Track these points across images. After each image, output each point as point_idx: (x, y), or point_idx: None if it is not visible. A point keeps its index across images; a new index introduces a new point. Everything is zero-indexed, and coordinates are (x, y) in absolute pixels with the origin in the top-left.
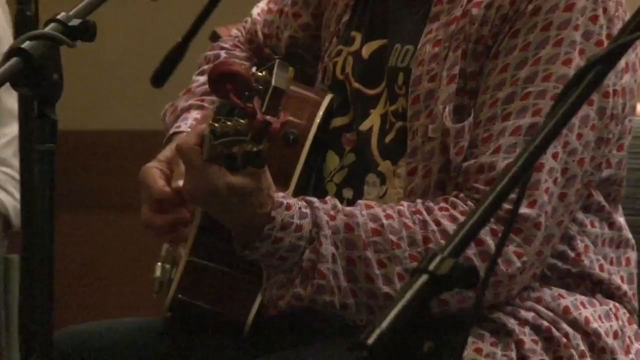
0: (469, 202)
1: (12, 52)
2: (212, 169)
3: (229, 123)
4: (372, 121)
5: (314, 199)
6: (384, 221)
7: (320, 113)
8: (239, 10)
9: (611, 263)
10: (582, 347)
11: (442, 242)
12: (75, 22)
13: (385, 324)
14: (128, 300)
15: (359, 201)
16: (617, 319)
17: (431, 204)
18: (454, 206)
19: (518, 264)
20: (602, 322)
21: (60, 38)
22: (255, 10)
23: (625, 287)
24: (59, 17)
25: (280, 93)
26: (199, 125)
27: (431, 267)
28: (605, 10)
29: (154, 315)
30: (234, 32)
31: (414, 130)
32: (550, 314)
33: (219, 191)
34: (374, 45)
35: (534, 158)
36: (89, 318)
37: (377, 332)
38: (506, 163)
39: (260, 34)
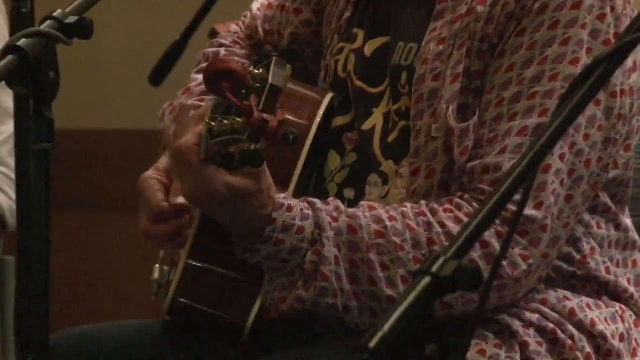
0: (474, 204)
1: (8, 50)
2: (210, 169)
3: (225, 122)
4: (375, 120)
5: (316, 200)
6: (387, 223)
7: (321, 112)
8: (238, 7)
9: (617, 265)
10: (588, 349)
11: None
12: (71, 19)
13: (387, 326)
14: (126, 303)
15: (362, 202)
16: (623, 321)
17: (435, 206)
18: (459, 208)
19: (524, 267)
20: (609, 324)
21: (56, 36)
22: (255, 5)
23: (632, 289)
24: (55, 14)
25: (278, 91)
26: (194, 122)
27: (434, 269)
28: (612, 8)
29: (152, 318)
30: (234, 28)
31: (417, 129)
32: (556, 315)
33: (218, 191)
34: (376, 42)
35: (539, 158)
36: (86, 321)
37: (379, 335)
38: (512, 164)
39: (260, 29)
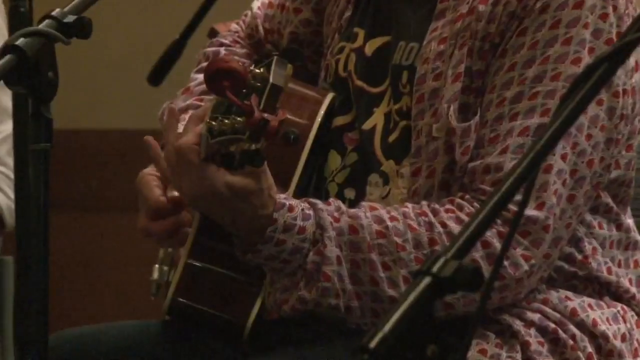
0: (476, 204)
1: (6, 49)
2: (211, 168)
3: (226, 121)
4: (376, 120)
5: (317, 201)
6: (389, 223)
7: (322, 112)
8: (237, 7)
9: (619, 265)
10: (590, 349)
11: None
12: (70, 18)
13: (387, 327)
14: (125, 303)
15: (363, 203)
16: (625, 321)
17: (437, 206)
18: (460, 208)
19: (526, 267)
20: (610, 324)
21: (55, 35)
22: (256, 4)
23: (633, 289)
24: (53, 13)
25: (278, 90)
26: (193, 121)
27: (434, 269)
28: (615, 8)
29: (152, 318)
30: (234, 27)
31: (418, 129)
32: (557, 315)
33: (218, 191)
34: (377, 42)
35: (539, 158)
36: (85, 321)
37: (379, 335)
38: (513, 164)
39: (261, 28)
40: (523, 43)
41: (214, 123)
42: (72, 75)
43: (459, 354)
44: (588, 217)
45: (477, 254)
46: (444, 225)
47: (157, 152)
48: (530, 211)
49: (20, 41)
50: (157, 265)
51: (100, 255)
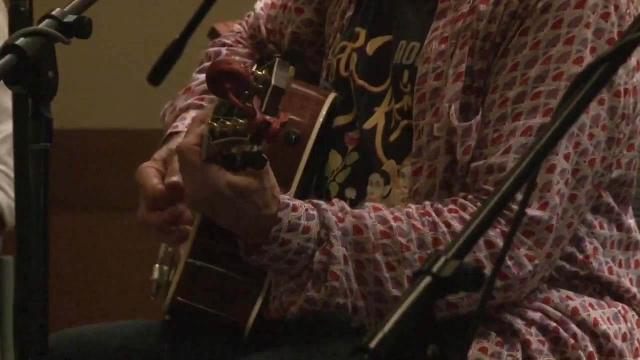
0: (479, 204)
1: (6, 49)
2: (212, 168)
3: (228, 123)
4: (377, 119)
5: (321, 201)
6: (393, 223)
7: (323, 112)
8: (237, 7)
9: (620, 265)
10: (590, 348)
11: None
12: (70, 18)
13: (387, 327)
14: (125, 303)
15: (367, 203)
16: (626, 321)
17: (440, 206)
18: (464, 208)
19: (529, 267)
20: (611, 324)
21: (55, 35)
22: (259, 5)
23: (634, 289)
24: (53, 13)
25: (280, 93)
26: (196, 123)
27: (435, 269)
28: (616, 7)
29: (152, 318)
30: (236, 27)
31: (420, 129)
32: (559, 314)
33: (220, 191)
34: (378, 41)
35: (540, 158)
36: (85, 321)
37: (380, 335)
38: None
39: (263, 29)
40: (525, 43)
41: (215, 124)
42: (72, 75)
43: (460, 353)
44: (589, 217)
45: (481, 253)
46: (447, 225)
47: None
48: (533, 211)
49: (20, 41)
50: (157, 265)
51: (100, 255)
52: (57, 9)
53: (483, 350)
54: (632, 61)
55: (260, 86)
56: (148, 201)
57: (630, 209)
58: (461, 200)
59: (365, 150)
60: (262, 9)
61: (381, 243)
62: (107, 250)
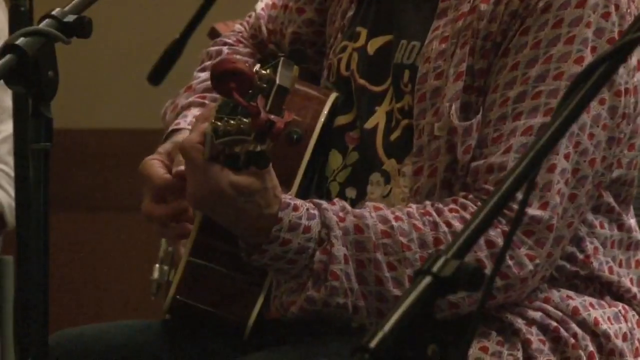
0: (479, 204)
1: (6, 48)
2: (215, 167)
3: (231, 122)
4: (378, 119)
5: (322, 201)
6: (394, 223)
7: (325, 112)
8: (237, 7)
9: (620, 265)
10: (591, 348)
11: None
12: (70, 18)
13: (387, 326)
14: (126, 302)
15: (368, 203)
16: (626, 321)
17: (440, 205)
18: (464, 208)
19: (530, 267)
20: (612, 323)
21: (55, 34)
22: (260, 5)
23: (635, 289)
24: (53, 13)
25: (285, 92)
26: (200, 122)
27: (435, 268)
28: (617, 7)
29: (152, 318)
30: (237, 27)
31: (420, 128)
32: (559, 313)
33: (222, 191)
34: (379, 41)
35: (540, 157)
36: (85, 321)
37: (380, 335)
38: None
39: (264, 29)
40: (525, 42)
41: (219, 123)
42: (72, 75)
43: (460, 352)
44: (590, 216)
45: (482, 253)
46: (448, 224)
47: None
48: (534, 211)
49: (20, 40)
50: (157, 265)
51: (100, 255)
52: (57, 9)
53: (484, 349)
54: (633, 61)
55: (265, 85)
56: (154, 192)
57: (631, 208)
58: (462, 200)
59: (365, 149)
60: (263, 9)
61: (382, 243)
62: (107, 250)
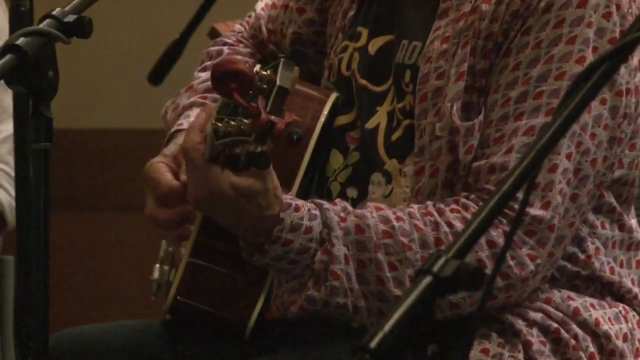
0: (481, 204)
1: (6, 48)
2: (215, 169)
3: (232, 123)
4: (379, 118)
5: (323, 201)
6: (395, 223)
7: (325, 112)
8: (237, 7)
9: (621, 265)
10: (592, 349)
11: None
12: (70, 18)
13: (388, 326)
14: (126, 303)
15: (369, 203)
16: (626, 321)
17: (442, 206)
18: (466, 208)
19: (531, 267)
20: (612, 324)
21: (55, 34)
22: (260, 5)
23: (636, 289)
24: (54, 13)
25: (285, 93)
26: (202, 122)
27: (435, 268)
28: (618, 7)
29: (152, 318)
30: (237, 27)
31: (422, 128)
32: (560, 314)
33: (223, 192)
34: (380, 41)
35: (541, 157)
36: (86, 321)
37: (380, 335)
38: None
39: (264, 29)
40: (527, 42)
41: (219, 124)
42: (72, 75)
43: (461, 353)
44: (591, 216)
45: (483, 253)
46: (449, 225)
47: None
48: (536, 211)
49: (20, 40)
50: (157, 265)
51: (100, 255)
52: (58, 9)
53: (485, 351)
54: (634, 61)
55: (265, 86)
56: (159, 197)
57: (632, 209)
58: (463, 200)
59: (366, 149)
60: (263, 9)
61: (383, 243)
62: (107, 250)
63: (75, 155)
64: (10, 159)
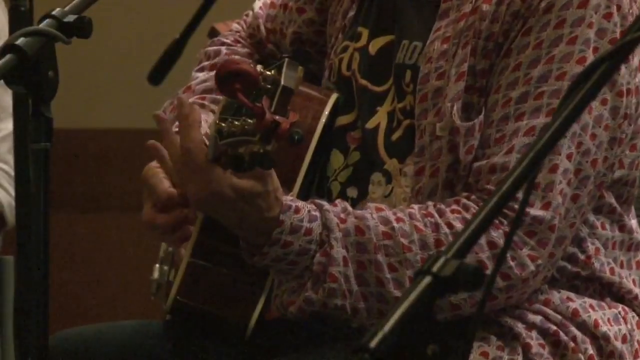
0: (481, 204)
1: (6, 48)
2: (217, 170)
3: (236, 123)
4: (379, 119)
5: (324, 202)
6: (395, 224)
7: (326, 112)
8: (237, 7)
9: (621, 266)
10: (591, 351)
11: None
12: (70, 18)
13: (387, 326)
14: (126, 303)
15: (369, 204)
16: (626, 322)
17: (442, 206)
18: (466, 208)
19: (532, 268)
20: (611, 325)
21: (55, 34)
22: (257, 4)
23: (636, 290)
24: (53, 13)
25: (290, 93)
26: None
27: (435, 268)
28: (619, 7)
29: (152, 318)
30: (235, 26)
31: (422, 128)
32: (559, 317)
33: (224, 193)
34: (381, 41)
35: (540, 157)
36: (86, 321)
37: (380, 335)
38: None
39: (263, 28)
40: (528, 43)
41: (223, 124)
42: (72, 75)
43: (461, 356)
44: (591, 217)
45: (484, 254)
46: (450, 226)
47: (162, 154)
48: (536, 211)
49: (20, 40)
50: (157, 265)
51: (100, 254)
52: (58, 9)
53: (484, 354)
54: (635, 61)
55: (269, 86)
56: (159, 203)
57: (632, 209)
58: (464, 201)
59: (367, 149)
60: (261, 8)
61: (383, 244)
62: (107, 250)
63: (75, 155)
64: (10, 158)
